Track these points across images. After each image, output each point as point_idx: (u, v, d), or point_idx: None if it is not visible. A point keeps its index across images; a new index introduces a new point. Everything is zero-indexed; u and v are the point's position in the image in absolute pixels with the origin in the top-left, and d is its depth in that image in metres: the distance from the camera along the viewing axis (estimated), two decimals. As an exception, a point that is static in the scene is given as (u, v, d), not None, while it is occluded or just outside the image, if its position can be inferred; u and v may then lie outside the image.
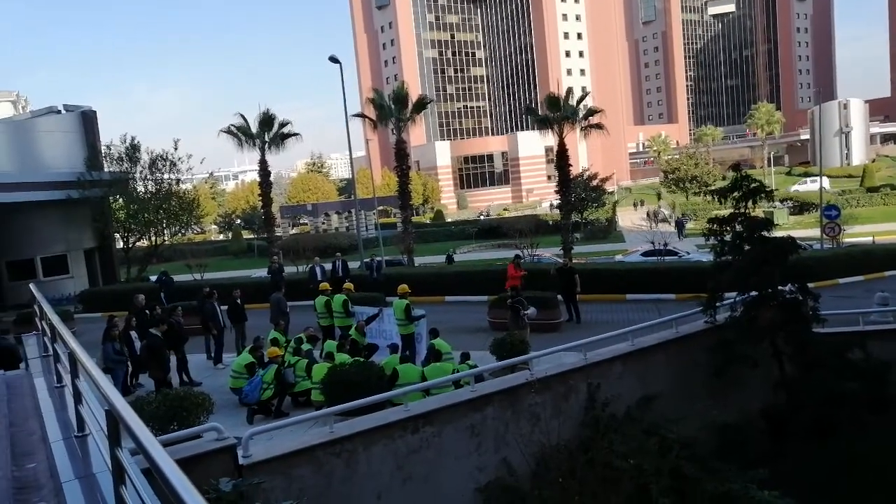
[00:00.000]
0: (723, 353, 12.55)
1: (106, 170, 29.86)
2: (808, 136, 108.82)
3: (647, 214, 56.44)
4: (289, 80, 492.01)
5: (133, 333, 13.28)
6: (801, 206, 57.50)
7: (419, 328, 13.84)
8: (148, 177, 30.94)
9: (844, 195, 59.75)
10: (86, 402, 4.47)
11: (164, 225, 31.76)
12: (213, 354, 15.37)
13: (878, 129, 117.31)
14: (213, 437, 7.61)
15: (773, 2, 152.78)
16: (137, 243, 33.01)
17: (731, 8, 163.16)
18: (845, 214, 36.33)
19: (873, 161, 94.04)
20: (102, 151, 30.49)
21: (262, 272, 30.97)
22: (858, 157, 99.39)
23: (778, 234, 14.19)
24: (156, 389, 10.78)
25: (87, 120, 30.15)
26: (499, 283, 19.20)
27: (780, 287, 13.14)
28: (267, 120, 30.84)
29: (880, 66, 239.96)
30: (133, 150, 30.61)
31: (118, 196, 30.81)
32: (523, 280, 18.01)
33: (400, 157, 31.30)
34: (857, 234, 35.24)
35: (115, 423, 3.01)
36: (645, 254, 29.21)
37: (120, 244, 32.61)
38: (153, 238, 32.07)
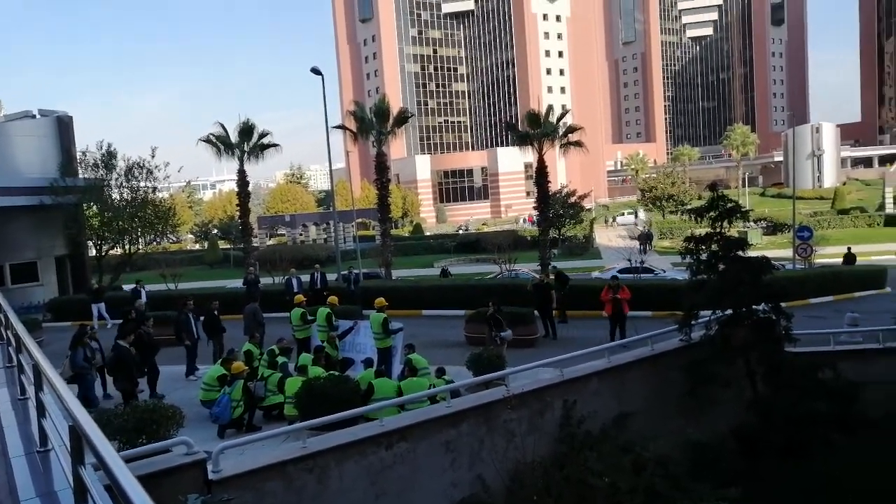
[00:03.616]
0: (697, 372, 12.64)
1: (81, 176, 29.39)
2: (781, 158, 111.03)
3: (632, 236, 56.70)
4: (270, 91, 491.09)
5: (94, 344, 12.99)
6: (774, 227, 58.48)
7: (395, 342, 13.74)
8: (124, 184, 30.48)
9: (816, 217, 60.91)
10: (49, 416, 4.34)
11: (139, 233, 31.29)
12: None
13: (848, 152, 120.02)
14: (183, 451, 7.46)
15: (749, 27, 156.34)
16: (111, 251, 32.46)
17: (708, 31, 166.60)
18: (817, 236, 37.02)
19: (844, 184, 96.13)
20: (78, 157, 30.02)
21: (237, 283, 30.63)
22: (830, 179, 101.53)
23: (752, 253, 14.40)
24: (124, 402, 10.55)
25: (63, 125, 29.68)
26: (476, 297, 19.20)
27: (753, 306, 13.30)
28: (246, 130, 30.64)
29: (852, 91, 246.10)
30: (109, 156, 30.15)
31: (92, 203, 30.32)
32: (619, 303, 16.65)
33: (380, 170, 31.25)
34: (828, 255, 35.86)
35: (78, 439, 2.92)
36: (621, 271, 29.39)
37: (93, 252, 32.03)
38: (127, 246, 31.58)
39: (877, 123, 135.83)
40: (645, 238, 48.19)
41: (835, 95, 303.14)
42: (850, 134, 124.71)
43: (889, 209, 68.05)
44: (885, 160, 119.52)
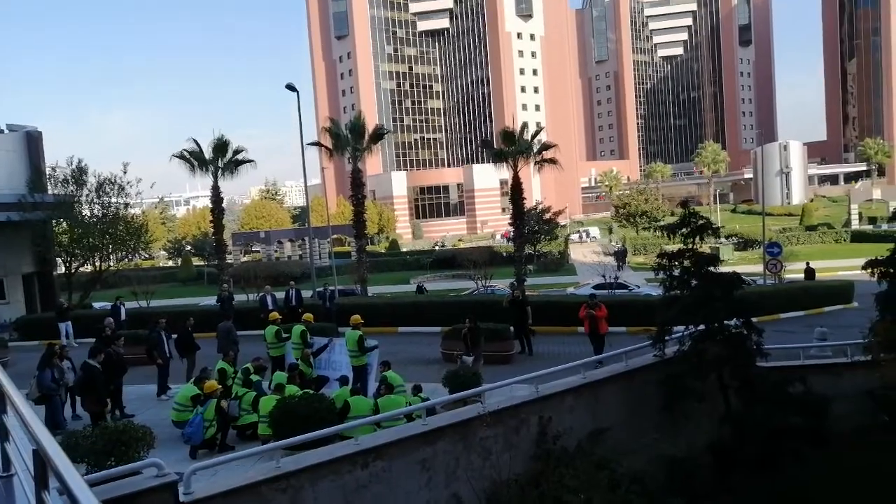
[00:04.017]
0: (671, 387, 12.74)
1: (50, 192, 28.91)
2: (751, 176, 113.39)
3: (606, 253, 57.20)
4: (245, 106, 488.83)
5: (65, 363, 12.70)
6: (745, 243, 59.51)
7: (371, 359, 13.65)
8: (94, 200, 30.03)
9: (785, 233, 62.14)
10: (13, 440, 4.22)
11: (110, 250, 30.80)
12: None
13: (815, 170, 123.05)
14: (154, 473, 7.29)
15: (717, 47, 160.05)
16: (81, 269, 31.88)
17: (679, 51, 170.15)
18: (786, 251, 37.72)
19: (812, 201, 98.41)
20: (47, 173, 29.55)
21: (211, 300, 30.24)
22: (798, 196, 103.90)
23: (724, 269, 14.61)
24: (92, 423, 10.31)
25: (32, 140, 29.22)
26: (452, 313, 19.17)
27: (725, 321, 13.47)
28: (221, 146, 30.44)
29: (817, 111, 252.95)
30: (79, 172, 29.72)
31: (62, 219, 29.81)
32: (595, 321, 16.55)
33: (356, 186, 31.24)
34: (798, 270, 36.51)
35: (42, 464, 2.84)
36: (596, 287, 29.63)
37: (62, 269, 31.43)
38: (98, 263, 31.04)
39: (841, 142, 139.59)
40: (620, 255, 48.73)
41: (801, 114, 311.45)
42: (816, 152, 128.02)
43: (855, 225, 69.75)
44: (851, 178, 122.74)
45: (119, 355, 13.20)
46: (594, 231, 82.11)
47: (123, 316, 21.85)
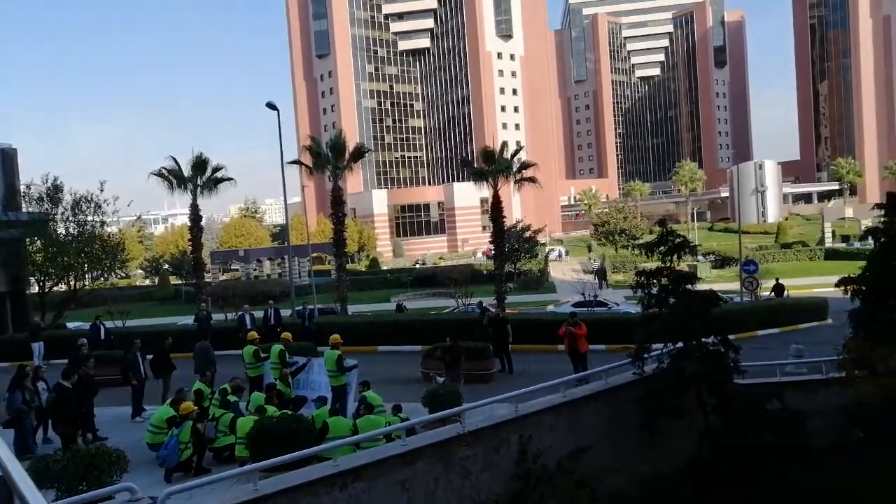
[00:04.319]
0: (651, 405, 12.81)
1: (24, 210, 28.49)
2: (727, 194, 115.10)
3: (586, 270, 57.65)
4: (225, 124, 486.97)
5: (41, 385, 12.44)
6: (722, 261, 60.20)
7: (350, 379, 13.55)
8: (70, 218, 29.63)
9: (761, 251, 63.01)
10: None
11: (85, 269, 30.34)
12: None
13: (790, 189, 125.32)
14: (127, 497, 7.19)
15: (694, 68, 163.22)
16: (55, 288, 31.35)
17: (656, 72, 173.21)
18: (762, 269, 38.21)
19: (786, 219, 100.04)
20: (21, 191, 29.13)
21: (188, 319, 29.90)
22: (773, 214, 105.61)
23: (701, 287, 14.78)
24: (63, 446, 10.08)
25: (6, 158, 28.84)
26: (432, 332, 19.14)
27: (703, 339, 13.60)
28: (200, 164, 30.23)
29: (791, 131, 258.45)
30: (55, 190, 29.34)
31: (36, 238, 29.35)
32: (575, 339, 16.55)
33: (336, 205, 31.18)
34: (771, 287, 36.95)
35: (8, 492, 2.79)
36: (576, 304, 29.76)
37: (35, 288, 30.87)
38: (72, 283, 30.56)
39: (814, 161, 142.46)
40: (601, 273, 49.10)
41: (776, 134, 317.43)
42: (790, 171, 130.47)
43: (829, 243, 70.95)
44: (824, 196, 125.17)
45: (90, 377, 12.91)
46: (559, 249, 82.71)
47: (103, 335, 21.46)
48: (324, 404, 11.93)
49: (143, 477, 9.60)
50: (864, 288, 14.40)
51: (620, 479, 10.98)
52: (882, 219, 14.70)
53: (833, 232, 76.15)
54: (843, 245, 68.32)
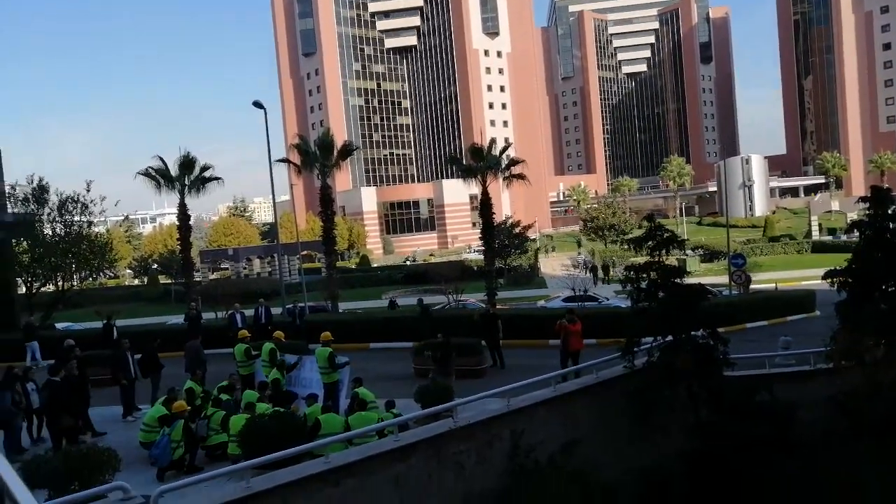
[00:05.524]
0: (642, 398, 12.89)
1: (10, 211, 28.21)
2: (715, 189, 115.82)
3: (575, 265, 57.81)
4: (212, 123, 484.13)
5: (30, 385, 12.34)
6: (711, 254, 60.60)
7: (342, 376, 13.55)
8: (56, 219, 29.38)
9: (749, 244, 63.47)
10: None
11: (73, 269, 30.10)
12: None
13: (776, 183, 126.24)
14: (119, 496, 7.16)
15: (680, 64, 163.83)
16: (42, 289, 31.09)
17: (643, 68, 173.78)
18: (750, 262, 38.53)
19: (774, 213, 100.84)
20: (6, 192, 28.83)
21: (178, 318, 29.73)
22: (760, 208, 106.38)
23: (690, 280, 14.88)
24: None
25: (-9, 158, 28.50)
26: (424, 328, 19.12)
27: (692, 332, 13.70)
28: (187, 163, 30.03)
29: (777, 125, 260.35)
30: (41, 190, 29.07)
31: (22, 239, 29.08)
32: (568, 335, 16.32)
33: (325, 203, 31.10)
34: (761, 280, 37.30)
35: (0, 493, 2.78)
36: (566, 299, 29.85)
37: (23, 289, 30.59)
38: (60, 283, 30.31)
39: (800, 155, 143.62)
40: (593, 269, 49.31)
41: (762, 128, 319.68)
42: (776, 165, 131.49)
43: (815, 236, 71.59)
44: (810, 190, 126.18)
45: (75, 377, 12.73)
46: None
47: (115, 336, 21.03)
48: (314, 401, 11.93)
49: (136, 476, 9.56)
50: (850, 280, 14.53)
51: (612, 472, 11.05)
52: (867, 212, 14.83)
53: (820, 225, 76.82)
54: (830, 238, 68.96)
